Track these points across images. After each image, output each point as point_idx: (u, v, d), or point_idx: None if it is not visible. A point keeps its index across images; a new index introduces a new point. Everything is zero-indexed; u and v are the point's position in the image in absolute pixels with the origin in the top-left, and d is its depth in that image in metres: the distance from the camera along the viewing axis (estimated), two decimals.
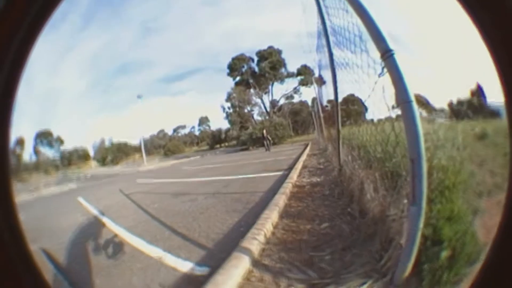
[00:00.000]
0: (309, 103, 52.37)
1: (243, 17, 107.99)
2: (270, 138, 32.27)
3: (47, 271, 3.14)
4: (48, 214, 12.10)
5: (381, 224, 2.96)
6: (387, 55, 1.98)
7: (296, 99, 57.23)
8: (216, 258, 3.71)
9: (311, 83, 48.35)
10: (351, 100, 6.96)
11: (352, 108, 7.24)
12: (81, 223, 7.98)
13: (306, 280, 2.57)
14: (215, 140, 66.02)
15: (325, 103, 20.92)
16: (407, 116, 1.87)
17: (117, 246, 5.26)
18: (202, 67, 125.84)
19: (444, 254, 2.19)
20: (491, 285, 0.91)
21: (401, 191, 2.79)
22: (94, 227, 7.48)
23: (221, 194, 8.47)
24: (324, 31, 6.37)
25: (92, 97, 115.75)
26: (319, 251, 3.18)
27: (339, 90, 6.38)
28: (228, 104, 53.20)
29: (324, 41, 6.77)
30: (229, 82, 57.40)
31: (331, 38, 5.90)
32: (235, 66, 55.27)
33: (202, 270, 3.49)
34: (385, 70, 2.06)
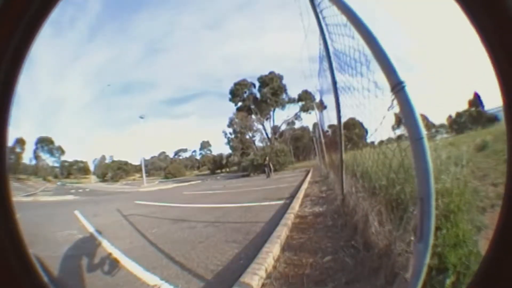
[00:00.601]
0: (310, 128, 52.17)
1: (245, 41, 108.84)
2: (271, 165, 31.91)
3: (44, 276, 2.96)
4: (43, 221, 12.30)
5: (386, 258, 2.89)
6: (398, 88, 1.88)
7: (297, 125, 57.52)
8: None
9: (312, 109, 48.52)
10: (352, 124, 6.97)
11: (353, 133, 7.23)
12: (76, 239, 8.14)
13: None
14: (216, 165, 66.00)
15: (326, 128, 21.13)
16: (418, 153, 1.78)
17: (112, 268, 5.29)
18: (204, 91, 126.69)
19: (449, 281, 2.20)
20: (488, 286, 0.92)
21: (407, 227, 2.73)
22: (89, 244, 7.55)
23: (221, 223, 8.42)
24: (327, 57, 6.28)
25: (94, 111, 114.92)
26: (322, 285, 3.13)
27: (341, 113, 6.39)
28: (230, 130, 52.81)
29: (326, 66, 6.80)
30: (231, 107, 57.28)
31: (334, 64, 5.86)
32: (237, 92, 55.53)
33: None
34: (395, 103, 1.99)
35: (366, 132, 6.79)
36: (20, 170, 77.16)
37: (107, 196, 27.47)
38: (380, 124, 3.09)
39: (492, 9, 0.85)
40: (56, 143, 79.49)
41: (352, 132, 7.25)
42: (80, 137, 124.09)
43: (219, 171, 63.19)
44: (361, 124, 6.90)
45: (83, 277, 4.92)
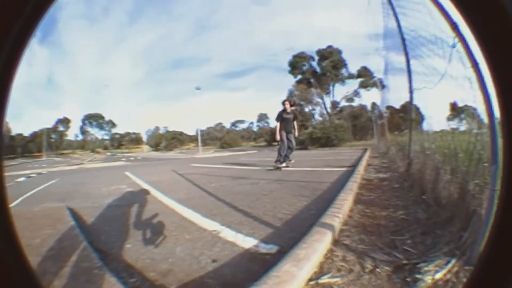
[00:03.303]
0: (368, 107, 51.57)
1: (296, 16, 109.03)
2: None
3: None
4: (86, 181, 12.91)
5: (461, 203, 3.01)
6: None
7: (356, 102, 56.53)
8: (285, 237, 3.69)
9: (372, 86, 49.33)
10: (409, 107, 6.92)
11: (409, 116, 7.16)
12: (124, 191, 8.50)
13: (393, 262, 2.58)
14: (273, 137, 64.66)
15: (384, 109, 20.45)
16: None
17: (162, 215, 5.30)
18: (260, 65, 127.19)
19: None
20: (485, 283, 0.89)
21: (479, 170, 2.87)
22: (138, 196, 7.67)
23: (285, 181, 8.52)
24: (400, 31, 6.25)
25: (146, 87, 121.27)
26: (399, 235, 3.23)
27: (398, 96, 6.28)
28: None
29: (386, 44, 6.65)
30: (289, 82, 57.03)
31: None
32: (296, 64, 55.24)
33: (268, 248, 3.43)
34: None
35: (423, 117, 6.78)
36: (64, 146, 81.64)
37: (161, 161, 27.95)
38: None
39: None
40: (107, 118, 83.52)
41: (407, 115, 7.22)
42: (132, 111, 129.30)
43: (275, 143, 61.50)
44: (418, 109, 7.05)
45: (128, 223, 5.08)
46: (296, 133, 12.89)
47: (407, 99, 6.69)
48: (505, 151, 0.85)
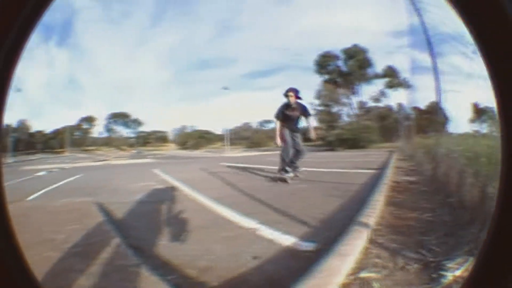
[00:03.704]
0: (395, 108, 50.93)
1: (318, 15, 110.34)
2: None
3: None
4: (113, 177, 13.24)
5: (481, 205, 3.26)
6: None
7: (383, 103, 54.97)
8: (322, 235, 3.80)
9: (398, 86, 48.44)
10: (435, 108, 6.88)
11: (434, 118, 7.11)
12: (154, 189, 8.54)
13: (421, 259, 2.77)
14: (303, 138, 63.92)
15: (411, 109, 20.09)
16: None
17: (195, 213, 5.36)
18: (286, 65, 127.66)
19: None
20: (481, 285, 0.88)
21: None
22: (168, 193, 7.66)
23: (315, 181, 8.73)
24: (423, 28, 6.30)
25: (174, 87, 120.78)
26: (426, 235, 3.40)
27: (424, 96, 6.18)
28: (317, 102, 52.08)
29: (411, 40, 6.47)
30: (314, 81, 56.42)
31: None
32: (322, 64, 54.50)
33: (307, 246, 3.52)
34: None
35: (448, 119, 6.86)
36: (88, 143, 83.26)
37: (189, 159, 28.31)
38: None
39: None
40: (133, 117, 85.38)
41: (433, 117, 7.17)
42: (160, 110, 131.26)
43: (304, 144, 60.45)
44: (443, 110, 7.02)
45: (161, 220, 5.19)
46: (313, 135, 9.89)
47: (433, 99, 6.68)
48: (504, 151, 0.83)
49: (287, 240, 3.77)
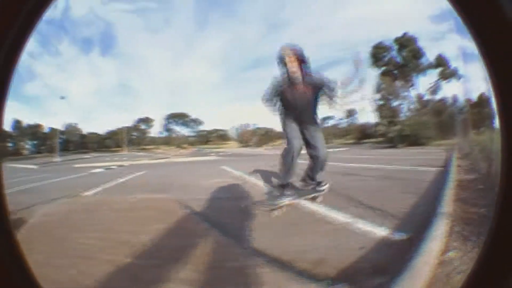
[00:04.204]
0: (450, 101, 49.77)
1: (359, 5, 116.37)
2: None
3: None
4: (179, 174, 13.68)
5: None
6: None
7: (438, 95, 54.64)
8: (411, 226, 4.22)
9: (450, 77, 47.50)
10: (484, 100, 6.80)
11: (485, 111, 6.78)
12: (227, 185, 8.81)
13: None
14: (362, 134, 63.50)
15: (464, 102, 19.52)
16: None
17: (283, 209, 5.49)
18: (340, 58, 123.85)
19: None
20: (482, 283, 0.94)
21: None
22: (244, 189, 7.95)
23: (390, 178, 9.08)
24: None
25: (227, 87, 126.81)
26: (483, 227, 3.68)
27: (475, 87, 5.62)
28: (378, 96, 50.35)
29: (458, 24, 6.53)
30: (372, 74, 54.69)
31: None
32: (377, 55, 53.91)
33: (400, 235, 3.91)
34: None
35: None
36: (147, 142, 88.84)
37: (254, 156, 28.62)
38: None
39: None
40: (192, 116, 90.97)
41: (483, 110, 7.03)
42: (216, 110, 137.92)
43: (365, 140, 59.63)
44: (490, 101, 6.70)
45: (248, 217, 5.31)
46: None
47: (483, 89, 6.41)
48: (504, 151, 0.87)
49: (381, 231, 4.16)
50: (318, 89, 5.92)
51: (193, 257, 3.58)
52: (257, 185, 8.33)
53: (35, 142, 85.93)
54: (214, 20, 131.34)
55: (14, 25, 0.91)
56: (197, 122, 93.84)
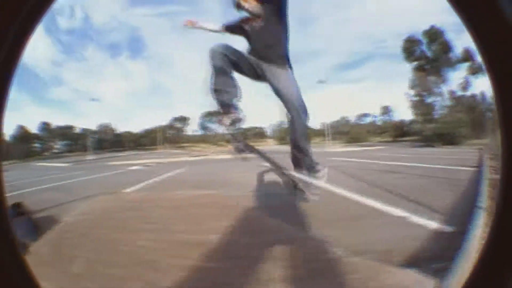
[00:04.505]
0: (479, 97, 48.34)
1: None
2: None
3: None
4: (223, 171, 13.43)
5: None
6: None
7: (469, 91, 51.99)
8: (457, 219, 4.57)
9: (478, 72, 45.32)
10: None
11: None
12: (275, 181, 8.24)
13: None
14: (398, 132, 62.24)
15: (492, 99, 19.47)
16: None
17: (340, 204, 5.70)
18: (371, 53, 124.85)
19: None
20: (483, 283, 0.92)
21: None
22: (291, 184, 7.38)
23: (432, 177, 9.34)
24: None
25: (262, 83, 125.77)
26: None
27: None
28: (412, 92, 50.61)
29: None
30: (404, 70, 53.75)
31: None
32: (409, 49, 52.32)
33: (449, 227, 4.23)
34: None
35: None
36: (183, 141, 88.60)
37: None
38: None
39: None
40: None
41: None
42: (252, 107, 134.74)
43: (401, 138, 58.45)
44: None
45: (307, 212, 5.36)
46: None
47: None
48: (504, 151, 0.85)
49: (433, 224, 4.56)
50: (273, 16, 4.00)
51: (275, 254, 3.38)
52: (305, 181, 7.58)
53: (66, 142, 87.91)
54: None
55: (13, 26, 0.89)
56: None
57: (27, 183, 12.65)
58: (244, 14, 4.16)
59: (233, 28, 4.35)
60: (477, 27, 0.87)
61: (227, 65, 3.80)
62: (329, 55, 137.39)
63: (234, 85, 3.87)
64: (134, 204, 6.32)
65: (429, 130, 41.98)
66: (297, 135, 3.88)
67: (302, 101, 3.89)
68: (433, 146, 36.11)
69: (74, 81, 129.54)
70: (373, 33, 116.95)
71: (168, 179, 11.10)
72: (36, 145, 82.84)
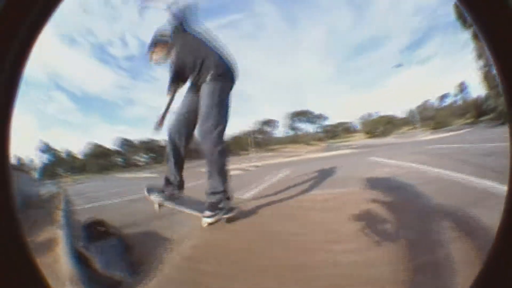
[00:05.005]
0: None
1: None
2: None
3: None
4: (331, 169, 11.25)
5: None
6: None
7: None
8: None
9: None
10: None
11: None
12: (392, 176, 6.93)
13: None
14: (478, 111, 55.30)
15: None
16: None
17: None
18: (429, 27, 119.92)
19: None
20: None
21: None
22: (413, 180, 6.04)
23: None
24: None
25: (341, 78, 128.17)
26: None
27: None
28: (481, 63, 41.42)
29: None
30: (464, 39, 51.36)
31: None
32: (462, 14, 47.26)
33: None
34: None
35: None
36: (273, 143, 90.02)
37: (388, 145, 26.89)
38: None
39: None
40: (316, 112, 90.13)
41: None
42: (336, 103, 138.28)
43: (483, 118, 50.28)
44: None
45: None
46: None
47: None
48: None
49: None
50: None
51: None
52: (426, 171, 6.83)
53: (151, 155, 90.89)
54: (300, 15, 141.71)
55: (23, 26, 0.93)
56: (321, 117, 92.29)
57: (113, 193, 13.49)
58: (162, 64, 4.49)
59: (175, 84, 4.38)
60: (486, 24, 0.93)
61: (176, 153, 4.15)
62: (394, 38, 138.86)
63: (180, 177, 4.22)
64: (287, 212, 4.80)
65: (502, 104, 36.53)
66: (210, 171, 3.90)
67: (218, 122, 3.77)
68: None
69: (147, 100, 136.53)
70: (428, 6, 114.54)
71: (281, 181, 9.52)
72: (118, 159, 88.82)
